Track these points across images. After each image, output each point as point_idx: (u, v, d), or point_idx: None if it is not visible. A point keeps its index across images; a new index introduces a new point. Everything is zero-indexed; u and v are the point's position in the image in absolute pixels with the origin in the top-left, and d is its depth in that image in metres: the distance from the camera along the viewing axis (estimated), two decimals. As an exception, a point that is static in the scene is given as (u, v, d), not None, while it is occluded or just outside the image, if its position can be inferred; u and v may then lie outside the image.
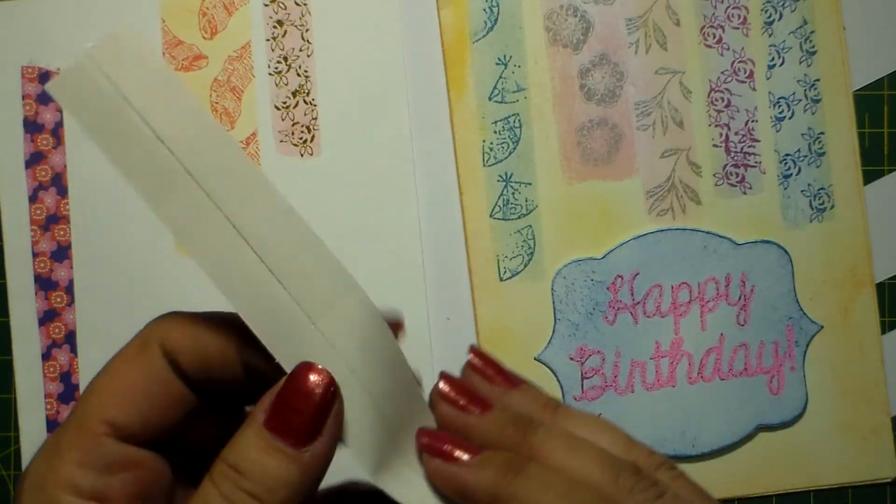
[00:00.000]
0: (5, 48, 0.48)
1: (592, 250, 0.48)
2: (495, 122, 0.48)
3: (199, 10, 0.48)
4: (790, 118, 0.48)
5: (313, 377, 0.23)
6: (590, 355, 0.48)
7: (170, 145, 0.22)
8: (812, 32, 0.48)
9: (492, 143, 0.48)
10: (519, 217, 0.48)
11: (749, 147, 0.48)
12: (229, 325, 0.25)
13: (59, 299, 0.47)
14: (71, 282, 0.47)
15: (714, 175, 0.48)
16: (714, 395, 0.48)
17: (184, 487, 0.26)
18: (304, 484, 0.23)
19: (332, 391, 0.23)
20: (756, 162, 0.48)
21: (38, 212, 0.47)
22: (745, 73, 0.48)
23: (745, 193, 0.48)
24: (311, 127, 0.48)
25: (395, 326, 0.26)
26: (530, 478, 0.23)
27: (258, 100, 0.48)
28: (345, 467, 0.25)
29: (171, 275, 0.47)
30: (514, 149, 0.48)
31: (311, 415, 0.23)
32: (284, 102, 0.48)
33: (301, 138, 0.48)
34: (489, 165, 0.48)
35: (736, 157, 0.48)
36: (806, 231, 0.48)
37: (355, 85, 0.48)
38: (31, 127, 0.48)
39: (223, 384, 0.25)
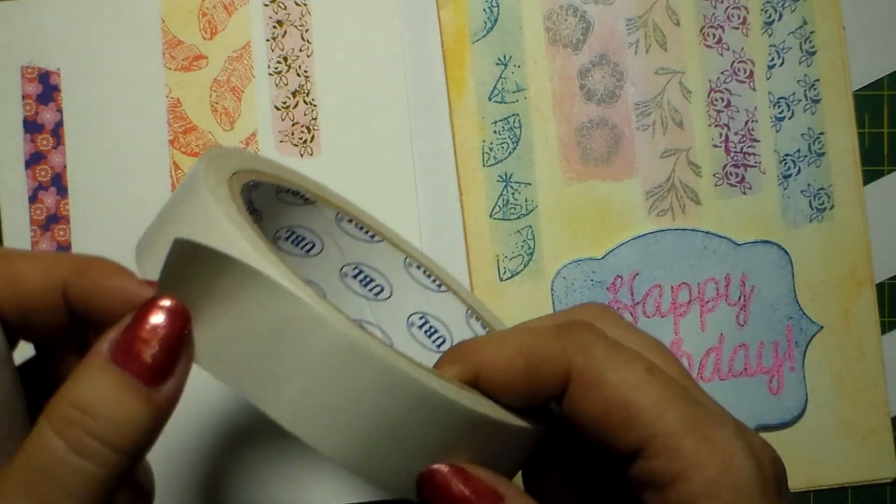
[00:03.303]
0: (5, 48, 0.48)
1: (592, 250, 0.48)
2: (495, 123, 0.48)
3: (199, 10, 0.48)
4: (790, 118, 0.48)
5: (169, 309, 0.21)
6: (589, 355, 0.48)
7: None
8: (812, 33, 0.48)
9: (492, 144, 0.48)
10: (519, 217, 0.48)
11: (749, 147, 0.48)
12: (55, 265, 0.22)
13: (59, 299, 0.47)
14: (71, 282, 0.47)
15: (714, 175, 0.48)
16: (714, 396, 0.48)
17: None
18: (154, 431, 0.21)
19: (187, 328, 0.21)
20: (756, 162, 0.48)
21: (38, 212, 0.47)
22: (744, 73, 0.48)
23: (744, 193, 0.48)
24: (311, 127, 0.48)
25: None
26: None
27: (258, 100, 0.48)
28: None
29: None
30: (514, 149, 0.48)
31: (168, 350, 0.20)
32: (284, 102, 0.48)
33: (301, 138, 0.48)
34: (489, 166, 0.48)
35: (736, 158, 0.48)
36: (806, 231, 0.48)
37: (355, 85, 0.48)
38: (31, 127, 0.48)
39: (41, 331, 0.22)
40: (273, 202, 0.28)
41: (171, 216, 0.23)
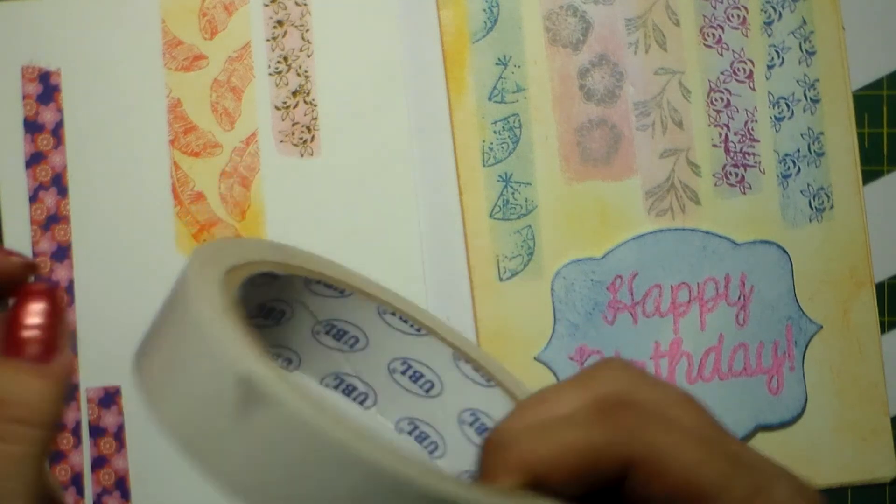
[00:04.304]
0: (5, 48, 0.48)
1: (592, 250, 0.48)
2: (495, 123, 0.48)
3: (199, 10, 0.48)
4: (789, 118, 0.48)
5: (43, 292, 0.24)
6: (589, 355, 0.48)
7: None
8: (811, 33, 0.48)
9: (491, 144, 0.48)
10: (518, 217, 0.48)
11: (748, 147, 0.48)
12: None
13: (59, 299, 0.47)
14: (71, 282, 0.47)
15: (713, 175, 0.48)
16: (713, 395, 0.48)
17: None
18: (59, 399, 0.23)
19: (62, 305, 0.24)
20: (755, 162, 0.48)
21: (38, 212, 0.47)
22: (744, 73, 0.48)
23: (744, 193, 0.48)
24: (311, 127, 0.48)
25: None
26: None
27: (258, 100, 0.48)
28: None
29: (171, 275, 0.47)
30: (514, 149, 0.48)
31: (52, 331, 0.23)
32: (284, 102, 0.48)
33: (301, 138, 0.48)
34: (489, 166, 0.48)
35: (735, 158, 0.48)
36: (805, 231, 0.48)
37: (355, 85, 0.48)
38: (31, 127, 0.48)
39: None
40: (248, 284, 0.28)
41: (163, 333, 0.25)
